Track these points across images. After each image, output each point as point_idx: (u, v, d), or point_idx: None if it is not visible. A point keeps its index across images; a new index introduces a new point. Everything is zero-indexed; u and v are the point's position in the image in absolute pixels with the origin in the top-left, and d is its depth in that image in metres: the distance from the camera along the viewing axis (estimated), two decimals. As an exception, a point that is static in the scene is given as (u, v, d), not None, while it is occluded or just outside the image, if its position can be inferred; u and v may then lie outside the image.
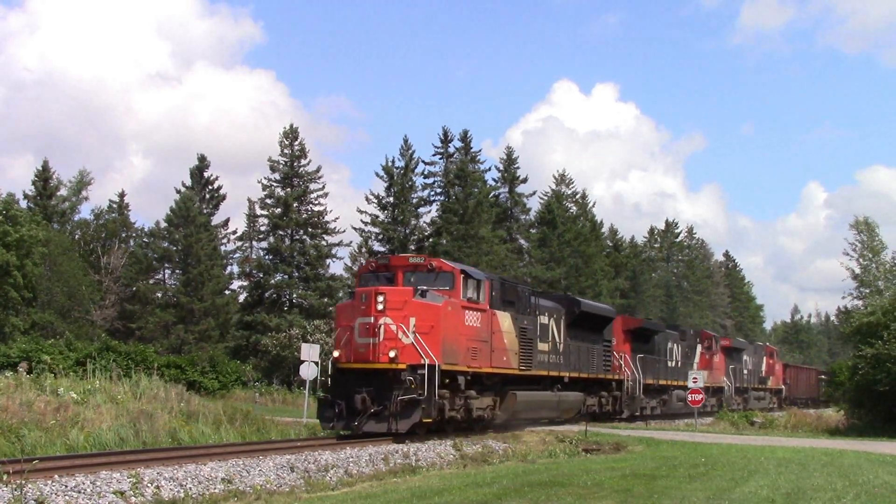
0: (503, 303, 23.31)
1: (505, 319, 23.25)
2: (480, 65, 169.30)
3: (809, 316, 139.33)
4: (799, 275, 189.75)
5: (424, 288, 20.63)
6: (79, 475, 12.07)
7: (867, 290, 53.07)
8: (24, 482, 10.35)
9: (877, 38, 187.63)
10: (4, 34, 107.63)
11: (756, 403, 46.91)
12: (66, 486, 11.40)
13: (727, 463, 17.28)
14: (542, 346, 25.93)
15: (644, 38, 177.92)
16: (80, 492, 11.38)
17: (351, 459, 16.66)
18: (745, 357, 51.96)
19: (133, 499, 11.83)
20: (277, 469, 14.80)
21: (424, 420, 19.59)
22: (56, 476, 11.87)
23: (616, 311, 36.46)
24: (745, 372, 51.16)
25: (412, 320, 19.90)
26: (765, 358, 57.37)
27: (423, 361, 19.54)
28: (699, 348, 44.01)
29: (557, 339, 27.27)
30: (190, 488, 12.79)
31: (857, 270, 54.59)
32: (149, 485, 12.35)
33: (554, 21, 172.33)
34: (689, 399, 34.26)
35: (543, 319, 26.26)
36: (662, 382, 38.10)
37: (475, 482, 14.04)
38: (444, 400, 20.51)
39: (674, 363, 40.02)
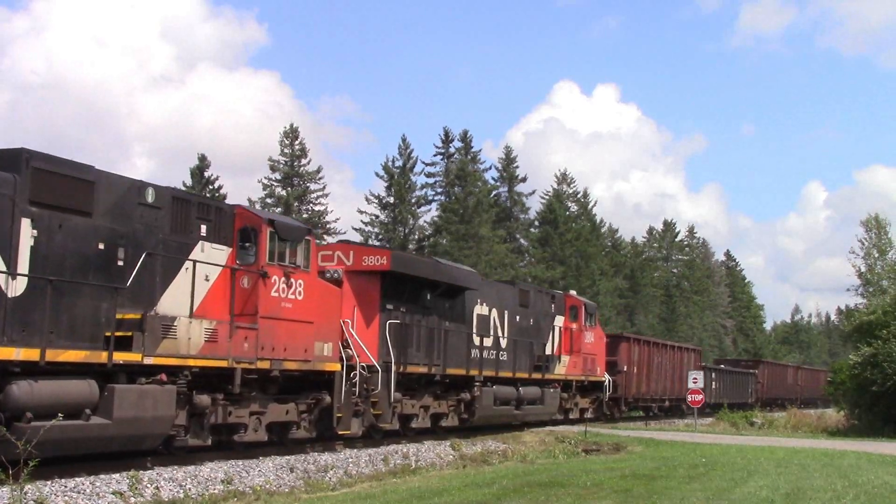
0: None
1: None
2: (482, 66, 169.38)
3: (810, 316, 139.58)
4: (799, 275, 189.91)
5: None
6: (78, 475, 12.08)
7: (871, 289, 52.99)
8: (23, 482, 10.35)
9: (876, 41, 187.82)
10: (10, 37, 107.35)
11: (503, 411, 23.72)
12: (66, 487, 11.40)
13: (726, 463, 17.28)
14: None
15: (644, 40, 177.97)
16: (79, 492, 11.38)
17: (350, 460, 16.67)
18: (482, 307, 23.04)
19: (132, 499, 11.83)
20: (277, 469, 14.81)
21: None
22: (56, 476, 11.86)
23: None
24: (480, 343, 22.81)
25: None
26: (560, 319, 28.04)
27: None
28: (202, 257, 14.44)
29: None
30: (189, 489, 12.80)
31: (863, 269, 54.49)
32: (148, 485, 12.34)
33: (555, 23, 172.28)
34: (689, 399, 34.11)
35: None
36: None
37: (474, 482, 14.04)
38: None
39: None
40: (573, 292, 32.12)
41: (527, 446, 22.29)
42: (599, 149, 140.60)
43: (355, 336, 17.99)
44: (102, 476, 12.23)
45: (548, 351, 26.56)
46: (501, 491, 12.86)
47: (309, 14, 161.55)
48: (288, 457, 15.75)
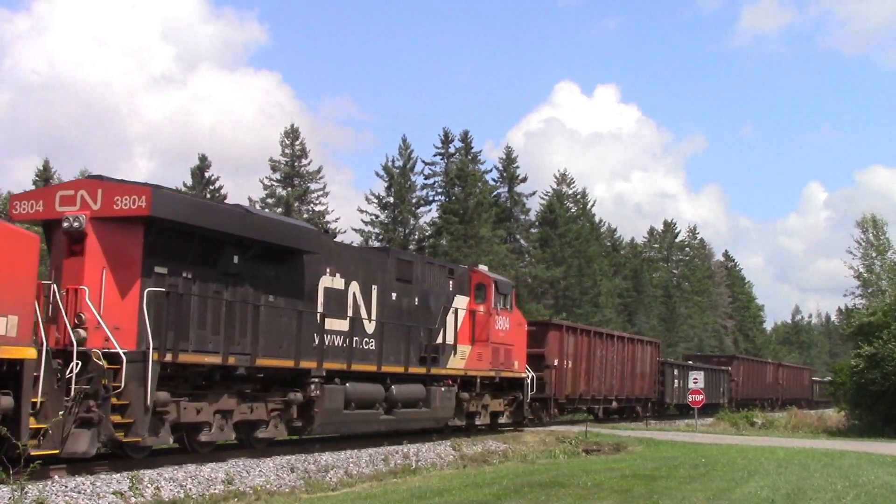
0: None
1: None
2: (482, 66, 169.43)
3: (810, 316, 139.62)
4: (799, 275, 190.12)
5: None
6: (79, 475, 12.08)
7: (870, 290, 52.88)
8: (24, 482, 10.36)
9: (875, 41, 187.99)
10: (11, 37, 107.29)
11: (363, 416, 18.45)
12: (66, 487, 11.40)
13: (727, 463, 17.30)
14: None
15: (644, 41, 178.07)
16: (80, 492, 11.38)
17: (351, 460, 16.67)
18: (334, 279, 17.80)
19: (133, 499, 11.83)
20: (277, 469, 14.81)
21: None
22: (56, 476, 11.86)
23: None
24: (323, 325, 17.18)
25: None
26: (463, 300, 22.36)
27: None
28: None
29: None
30: (190, 489, 12.79)
31: (861, 269, 54.31)
32: (149, 485, 12.34)
33: (555, 23, 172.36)
34: (690, 399, 34.13)
35: None
36: None
37: (475, 482, 14.05)
38: None
39: None
40: (483, 267, 25.79)
41: (527, 446, 22.31)
42: (600, 149, 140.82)
43: (93, 310, 12.90)
44: (103, 476, 12.24)
45: (440, 339, 20.85)
46: (502, 491, 12.87)
47: (309, 14, 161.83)
48: (288, 456, 15.75)
